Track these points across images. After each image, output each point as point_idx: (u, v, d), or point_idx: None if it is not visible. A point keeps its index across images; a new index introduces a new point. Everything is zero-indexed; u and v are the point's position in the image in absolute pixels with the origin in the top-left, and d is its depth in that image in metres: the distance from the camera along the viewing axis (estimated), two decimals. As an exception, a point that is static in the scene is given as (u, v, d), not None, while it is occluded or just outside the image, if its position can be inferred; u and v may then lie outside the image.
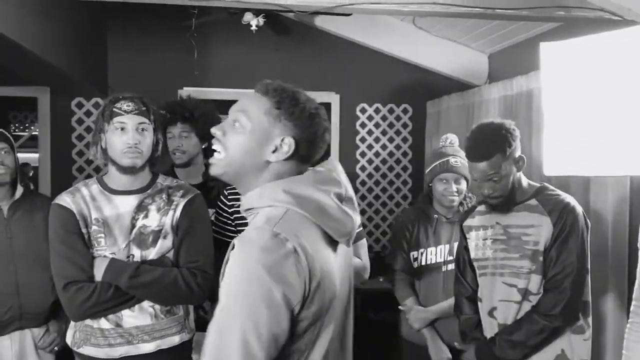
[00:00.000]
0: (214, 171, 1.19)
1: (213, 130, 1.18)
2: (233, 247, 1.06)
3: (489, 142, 1.87)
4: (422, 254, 2.46)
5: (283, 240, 1.04)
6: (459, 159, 2.42)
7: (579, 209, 1.90)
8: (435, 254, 2.45)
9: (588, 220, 1.94)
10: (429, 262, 2.45)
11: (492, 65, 4.16)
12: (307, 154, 1.19)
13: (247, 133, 1.15)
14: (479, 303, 2.04)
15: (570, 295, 1.84)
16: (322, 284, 1.06)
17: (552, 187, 1.98)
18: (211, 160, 1.19)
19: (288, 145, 1.15)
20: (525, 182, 1.97)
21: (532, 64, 3.07)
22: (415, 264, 2.48)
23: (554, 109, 2.20)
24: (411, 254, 2.48)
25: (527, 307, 1.90)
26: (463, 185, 2.43)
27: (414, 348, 2.49)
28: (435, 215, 2.46)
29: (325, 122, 1.22)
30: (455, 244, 2.41)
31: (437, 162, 2.46)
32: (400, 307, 2.50)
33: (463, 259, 2.12)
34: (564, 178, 2.66)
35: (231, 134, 1.17)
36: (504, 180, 1.87)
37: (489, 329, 1.99)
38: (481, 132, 1.92)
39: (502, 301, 1.95)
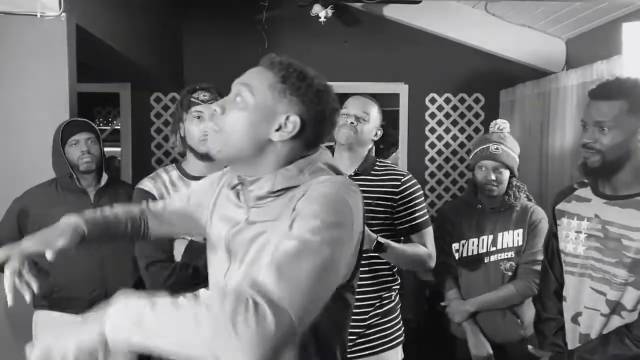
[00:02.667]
0: (210, 147, 1.11)
1: (213, 106, 1.11)
2: (303, 195, 1.02)
3: (619, 86, 1.55)
4: (463, 245, 2.36)
5: (356, 190, 1.06)
6: (502, 147, 2.30)
7: None
8: (478, 245, 2.34)
9: None
10: (470, 254, 2.35)
11: (570, 51, 3.99)
12: (313, 135, 1.10)
13: (249, 108, 1.07)
14: (563, 303, 1.76)
15: None
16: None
17: None
18: (208, 136, 1.13)
19: (293, 123, 1.07)
20: None
21: (613, 49, 2.93)
22: (457, 256, 2.38)
23: (637, 92, 2.09)
24: (452, 245, 2.38)
25: (616, 322, 1.58)
26: (505, 174, 2.30)
27: (458, 342, 2.38)
28: (479, 205, 2.36)
29: (334, 101, 1.13)
30: (500, 235, 2.31)
31: (478, 149, 2.36)
32: (442, 303, 2.40)
33: (552, 248, 1.82)
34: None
35: (231, 110, 1.08)
36: (612, 133, 1.52)
37: (571, 336, 1.72)
38: (621, 78, 1.62)
39: (587, 308, 1.65)
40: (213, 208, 1.25)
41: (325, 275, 0.90)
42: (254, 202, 1.11)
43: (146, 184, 1.80)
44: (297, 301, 0.84)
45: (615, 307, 1.58)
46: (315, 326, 0.95)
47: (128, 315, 0.86)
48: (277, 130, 1.07)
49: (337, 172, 1.12)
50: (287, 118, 1.07)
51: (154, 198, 1.76)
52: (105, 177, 2.34)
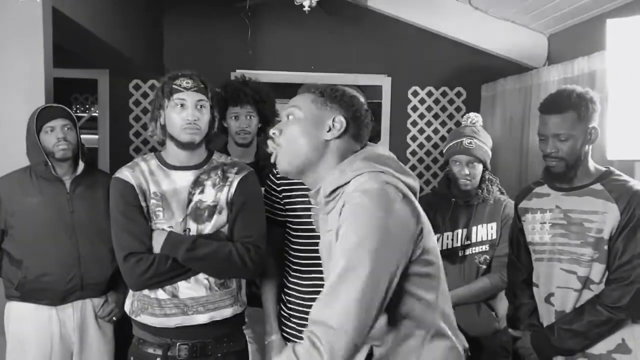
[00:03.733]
0: (281, 168, 1.33)
1: (271, 131, 1.33)
2: (341, 212, 1.19)
3: (566, 99, 1.81)
4: (438, 239, 2.36)
5: (394, 187, 1.19)
6: (475, 141, 2.33)
7: None
8: (452, 239, 2.36)
9: None
10: (444, 248, 2.36)
11: (552, 46, 4.00)
12: (357, 130, 1.34)
13: (301, 121, 1.31)
14: (534, 289, 1.98)
15: (638, 287, 1.75)
16: (424, 229, 1.24)
17: (618, 172, 1.88)
18: (275, 160, 1.33)
19: (339, 122, 1.30)
20: (591, 164, 1.88)
21: (594, 45, 2.95)
22: None
23: (619, 89, 2.10)
24: None
25: (587, 295, 1.83)
26: (477, 168, 2.33)
27: None
28: (453, 199, 2.38)
29: (364, 104, 1.38)
30: (474, 228, 2.35)
31: (451, 143, 2.39)
32: None
33: (517, 242, 2.05)
34: (629, 163, 2.54)
35: (287, 128, 1.32)
36: (571, 141, 1.80)
37: (546, 316, 1.93)
38: (562, 90, 1.88)
39: (560, 288, 1.88)
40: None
41: (372, 289, 1.10)
42: (325, 210, 1.31)
43: (124, 174, 1.75)
44: (349, 323, 1.07)
45: (586, 282, 1.82)
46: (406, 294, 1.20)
47: None
48: (328, 131, 1.30)
49: (382, 162, 1.27)
50: (333, 120, 1.30)
51: (131, 187, 1.72)
52: (81, 165, 2.28)
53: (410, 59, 4.31)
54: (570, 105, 1.79)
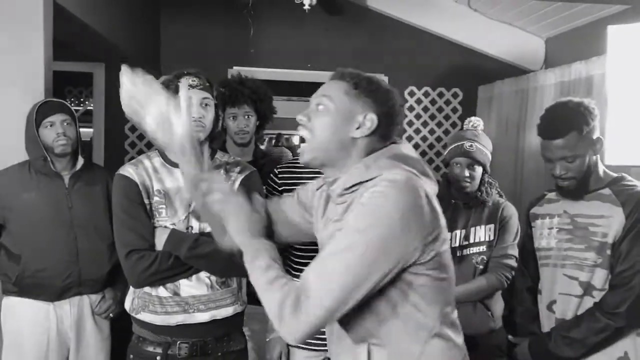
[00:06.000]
0: (303, 159, 1.27)
1: (299, 117, 1.27)
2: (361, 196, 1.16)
3: (564, 119, 1.74)
4: None
5: (417, 186, 1.17)
6: (476, 144, 2.35)
7: None
8: (451, 239, 2.37)
9: None
10: None
11: (549, 50, 4.04)
12: (387, 129, 1.26)
13: (331, 113, 1.24)
14: (538, 295, 1.93)
15: (638, 294, 1.68)
16: (441, 234, 1.22)
17: (630, 178, 1.81)
18: (300, 150, 1.27)
19: (370, 120, 1.23)
20: (601, 169, 1.82)
21: (592, 49, 2.97)
22: None
23: (619, 95, 2.13)
24: None
25: (589, 303, 1.76)
26: (478, 171, 2.36)
27: None
28: (452, 200, 2.40)
29: (399, 100, 1.30)
30: (472, 229, 2.37)
31: (453, 146, 2.41)
32: None
33: (526, 249, 2.02)
34: (624, 169, 2.57)
35: (316, 117, 1.25)
36: (579, 160, 1.73)
37: (547, 323, 1.88)
38: (557, 109, 1.81)
39: (562, 294, 1.82)
40: (321, 211, 1.37)
41: (361, 277, 1.09)
42: (336, 201, 1.27)
43: (128, 170, 1.74)
44: (328, 296, 1.08)
45: (587, 288, 1.77)
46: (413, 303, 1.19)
47: (249, 251, 1.24)
48: (357, 128, 1.24)
49: (408, 163, 1.23)
50: (364, 117, 1.23)
51: (135, 185, 1.71)
52: (81, 161, 2.26)
53: (407, 59, 4.32)
54: (570, 126, 1.71)
